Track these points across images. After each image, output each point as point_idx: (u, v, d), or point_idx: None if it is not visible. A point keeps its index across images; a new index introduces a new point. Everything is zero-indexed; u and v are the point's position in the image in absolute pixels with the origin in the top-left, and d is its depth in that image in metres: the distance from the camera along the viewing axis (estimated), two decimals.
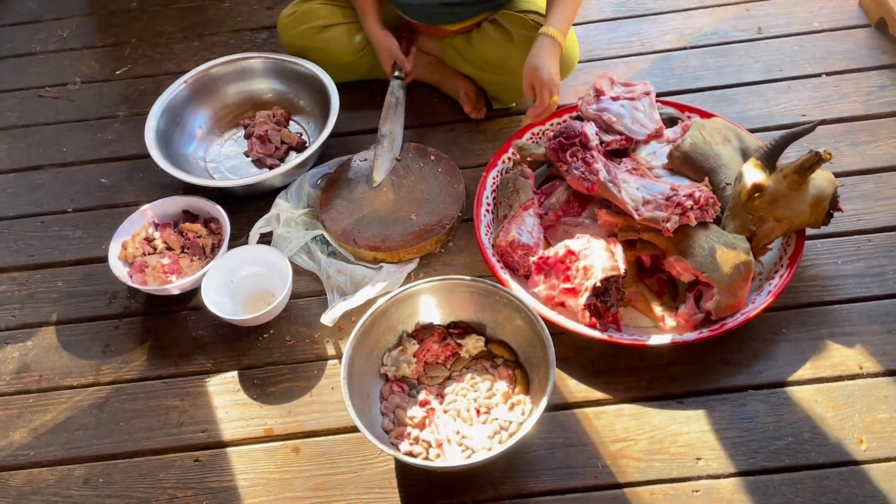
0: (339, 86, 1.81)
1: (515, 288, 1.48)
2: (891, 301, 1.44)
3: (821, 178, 1.44)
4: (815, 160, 1.38)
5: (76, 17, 2.32)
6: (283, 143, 1.82)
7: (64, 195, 1.83)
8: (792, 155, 1.49)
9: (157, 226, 1.65)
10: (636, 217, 1.44)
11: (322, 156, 1.79)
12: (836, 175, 1.61)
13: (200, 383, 1.48)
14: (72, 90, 2.10)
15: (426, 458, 1.28)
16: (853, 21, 1.95)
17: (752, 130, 1.71)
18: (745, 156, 1.57)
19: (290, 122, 1.89)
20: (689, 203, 1.42)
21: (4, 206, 1.83)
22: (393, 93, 1.78)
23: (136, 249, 1.60)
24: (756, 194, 1.43)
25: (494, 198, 1.66)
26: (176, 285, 1.53)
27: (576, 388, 1.40)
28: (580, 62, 1.93)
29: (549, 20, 1.59)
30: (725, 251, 1.40)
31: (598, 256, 1.42)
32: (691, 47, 1.95)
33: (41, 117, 2.03)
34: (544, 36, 1.58)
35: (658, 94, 1.77)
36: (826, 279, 1.49)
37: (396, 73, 1.79)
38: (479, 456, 1.25)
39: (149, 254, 1.60)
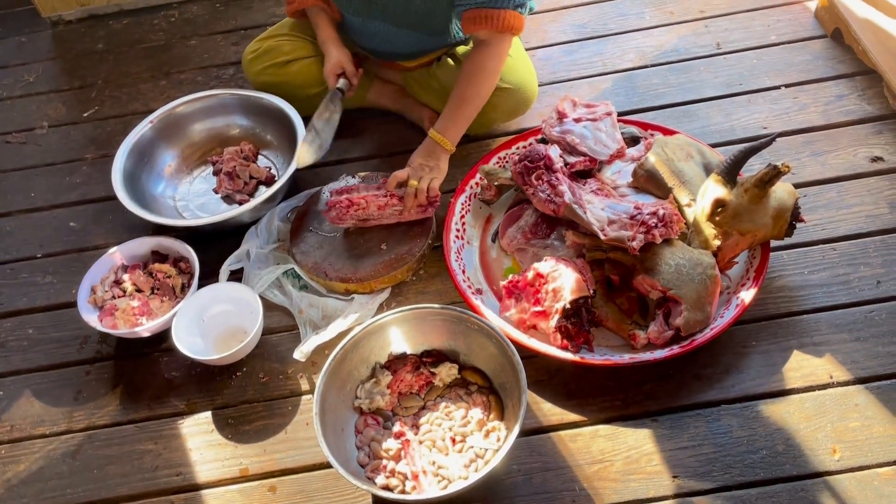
0: (306, 118, 1.81)
1: (487, 313, 1.48)
2: (857, 309, 1.45)
3: (781, 191, 1.46)
4: (774, 173, 1.40)
5: (42, 61, 2.32)
6: (251, 178, 1.83)
7: (33, 241, 1.83)
8: (754, 167, 1.51)
9: (126, 268, 1.65)
10: (602, 237, 1.45)
11: (291, 188, 1.79)
12: (798, 186, 1.64)
13: (174, 426, 1.47)
14: (39, 134, 2.09)
15: (402, 492, 1.27)
16: (809, 32, 1.98)
17: (715, 145, 1.73)
18: (708, 171, 1.59)
19: (259, 157, 1.90)
20: (653, 221, 1.43)
21: None
22: (332, 100, 1.72)
23: (105, 293, 1.60)
24: (719, 209, 1.45)
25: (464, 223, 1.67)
26: (146, 328, 1.52)
27: (550, 412, 1.40)
28: (544, 84, 1.96)
29: (437, 122, 1.66)
30: (692, 266, 1.41)
31: (566, 278, 1.43)
32: (652, 65, 1.98)
33: (8, 163, 2.02)
34: (428, 137, 1.67)
35: (621, 113, 1.80)
36: (793, 290, 1.50)
37: (340, 86, 1.73)
38: (456, 486, 1.24)
39: (118, 297, 1.60)
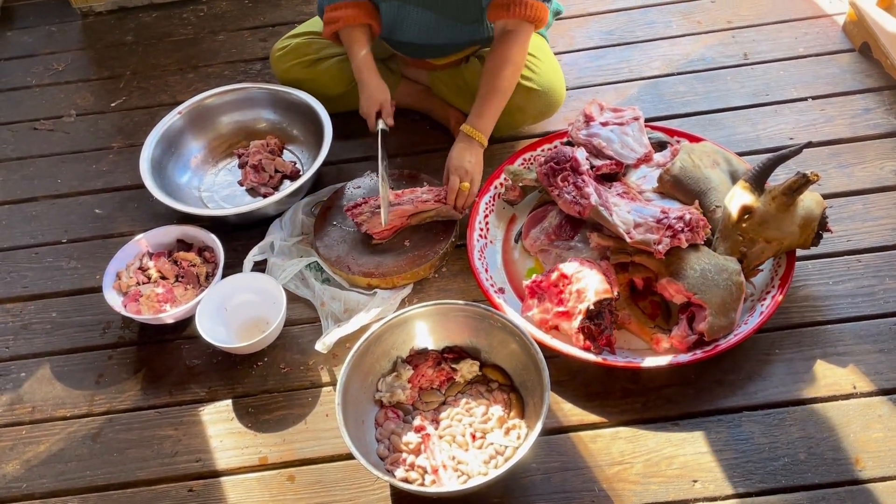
0: (332, 115, 1.83)
1: (509, 312, 1.48)
2: (882, 320, 1.45)
3: (809, 200, 1.46)
4: (803, 181, 1.40)
5: (72, 51, 2.35)
6: (276, 171, 1.84)
7: (58, 226, 1.84)
8: (780, 177, 1.51)
9: (151, 255, 1.66)
10: (627, 240, 1.46)
11: (316, 184, 1.81)
12: (825, 197, 1.63)
13: (194, 412, 1.47)
14: (67, 122, 2.11)
15: (422, 485, 1.27)
16: (837, 46, 1.99)
17: (741, 154, 1.73)
18: (734, 178, 1.59)
19: (284, 152, 1.91)
20: (679, 225, 1.44)
21: None
22: (384, 156, 1.68)
23: (130, 279, 1.61)
24: (746, 216, 1.45)
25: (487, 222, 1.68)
26: (170, 314, 1.53)
27: (571, 412, 1.40)
28: (571, 88, 1.97)
29: (469, 118, 1.66)
30: (717, 272, 1.41)
31: (590, 279, 1.43)
32: (679, 73, 1.99)
33: (36, 149, 2.04)
34: (462, 133, 1.65)
35: (647, 119, 1.80)
36: (818, 299, 1.50)
37: (382, 127, 1.70)
38: (475, 481, 1.24)
39: (143, 283, 1.61)
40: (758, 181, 1.46)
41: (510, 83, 1.65)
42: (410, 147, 1.90)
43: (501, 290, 1.57)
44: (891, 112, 1.80)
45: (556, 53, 2.06)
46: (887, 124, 1.78)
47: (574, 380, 1.44)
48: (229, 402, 1.48)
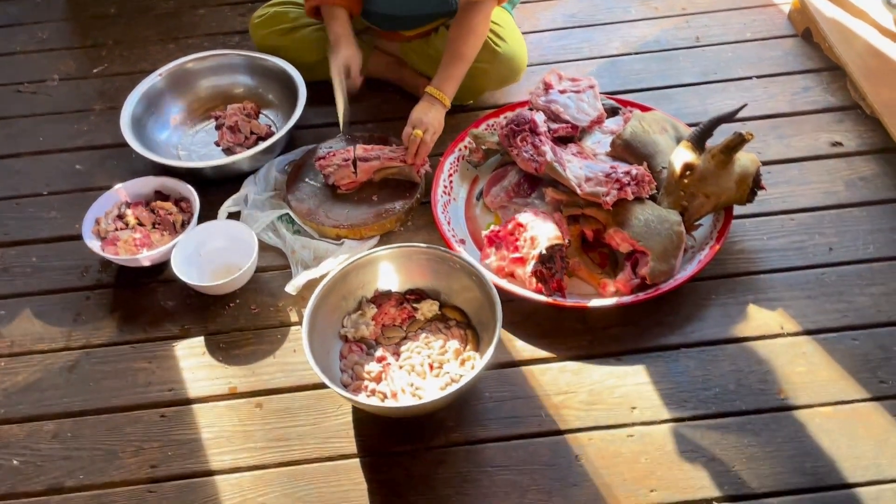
0: (308, 83, 1.92)
1: (469, 259, 1.58)
2: (810, 271, 1.57)
3: (745, 159, 1.58)
4: (739, 140, 1.53)
5: (56, 21, 2.42)
6: (252, 133, 1.92)
7: (40, 180, 1.91)
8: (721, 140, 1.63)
9: (129, 204, 1.74)
10: (579, 192, 1.57)
11: (289, 145, 1.90)
12: (764, 164, 1.76)
13: (168, 348, 1.55)
14: (50, 86, 2.19)
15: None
16: (782, 31, 2.13)
17: (689, 125, 1.85)
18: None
19: (260, 116, 2.00)
20: (626, 179, 1.55)
21: None
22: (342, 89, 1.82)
23: (108, 225, 1.68)
24: (687, 172, 1.57)
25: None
26: (146, 256, 1.61)
27: (523, 348, 1.50)
28: (534, 64, 2.08)
29: (434, 80, 1.76)
30: (659, 222, 1.53)
31: (543, 227, 1.54)
32: (635, 53, 2.11)
33: (20, 110, 2.11)
34: (426, 93, 1.75)
35: (604, 93, 1.92)
36: (753, 253, 1.62)
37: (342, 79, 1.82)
38: (430, 397, 1.34)
39: (121, 229, 1.68)
40: (699, 141, 1.58)
41: (473, 51, 1.76)
42: (381, 115, 2.00)
43: (462, 241, 1.67)
44: (827, 90, 1.94)
45: (521, 33, 2.18)
46: (824, 101, 1.92)
47: (527, 320, 1.54)
48: (202, 338, 1.56)
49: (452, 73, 1.75)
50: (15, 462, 1.40)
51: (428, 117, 1.72)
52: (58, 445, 1.42)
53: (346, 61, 1.82)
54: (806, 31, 2.08)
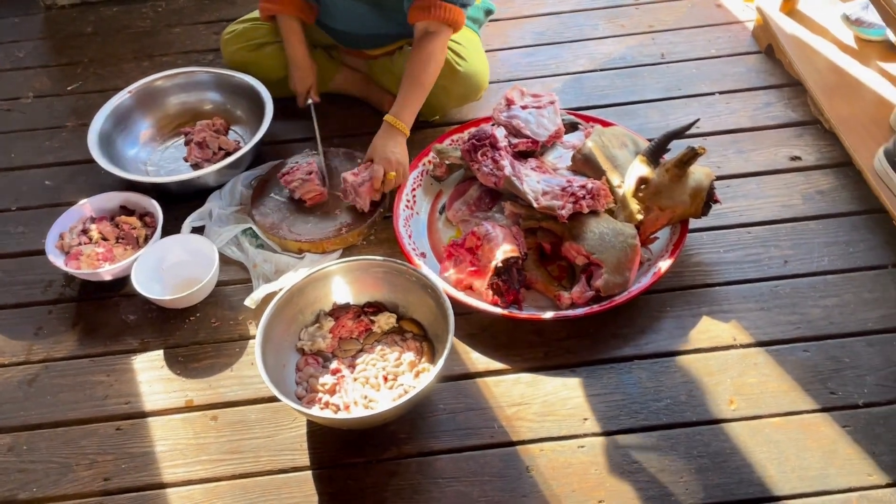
0: (275, 99, 1.95)
1: (428, 273, 1.59)
2: (764, 283, 1.59)
3: (699, 173, 1.60)
4: (692, 154, 1.55)
5: (33, 40, 2.45)
6: (220, 149, 1.95)
7: (8, 196, 1.93)
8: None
9: (94, 219, 1.75)
10: (535, 205, 1.59)
11: (256, 160, 1.92)
12: (723, 178, 1.79)
13: (127, 361, 1.56)
14: (24, 103, 2.21)
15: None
16: (746, 48, 2.16)
17: (651, 140, 1.87)
18: None
19: (229, 132, 2.02)
20: (581, 193, 1.57)
21: None
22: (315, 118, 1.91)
23: (72, 240, 1.70)
24: (642, 186, 1.59)
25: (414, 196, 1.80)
26: (107, 270, 1.62)
27: (478, 360, 1.51)
28: (502, 81, 2.12)
29: (393, 109, 1.77)
30: (614, 235, 1.54)
31: (500, 240, 1.55)
32: (601, 70, 2.14)
33: None
34: (385, 123, 1.76)
35: (569, 109, 1.95)
36: (709, 265, 1.63)
37: (310, 102, 1.92)
38: (381, 407, 1.34)
39: (85, 244, 1.70)
40: (653, 155, 1.60)
41: (431, 78, 1.78)
42: (347, 130, 2.02)
43: (423, 255, 1.68)
44: (788, 106, 1.97)
45: (491, 50, 2.22)
46: (784, 116, 1.94)
47: (484, 332, 1.55)
48: (161, 352, 1.57)
49: (411, 101, 1.77)
50: None
51: (395, 155, 1.73)
52: (13, 458, 1.42)
53: (301, 81, 1.88)
54: (769, 48, 2.11)
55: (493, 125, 1.83)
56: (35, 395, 1.52)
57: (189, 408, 1.48)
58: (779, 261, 1.62)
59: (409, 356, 1.47)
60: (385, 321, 1.53)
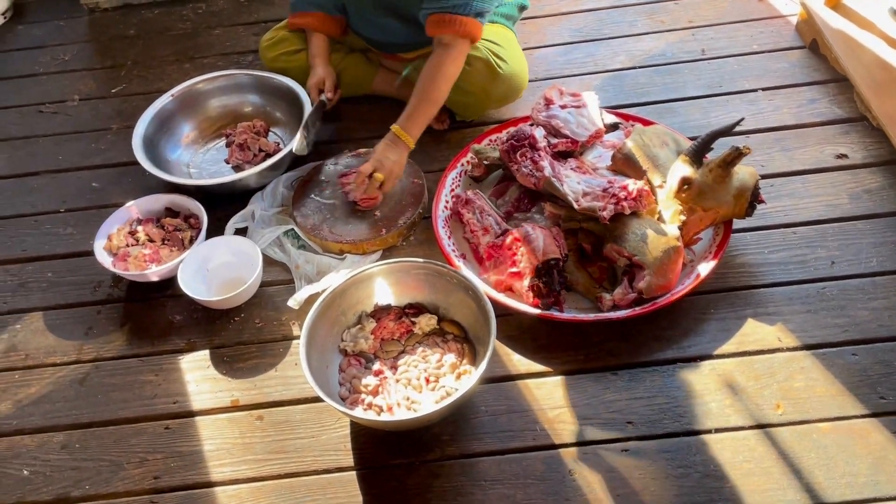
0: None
1: (468, 274, 1.60)
2: (811, 285, 1.56)
3: (743, 172, 1.58)
4: (736, 154, 1.52)
5: (78, 43, 2.51)
6: (260, 150, 1.97)
7: (57, 197, 1.98)
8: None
9: (140, 221, 1.79)
10: (576, 207, 1.58)
11: (297, 161, 1.94)
12: (767, 177, 1.76)
13: (174, 361, 1.60)
14: (70, 106, 2.26)
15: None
16: (789, 43, 2.12)
17: (692, 138, 1.85)
18: None
19: (269, 134, 2.05)
20: (623, 194, 1.56)
21: (1, 206, 1.97)
22: (317, 110, 1.91)
23: (120, 241, 1.74)
24: (685, 187, 1.57)
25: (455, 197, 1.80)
26: (154, 271, 1.65)
27: (519, 362, 1.51)
28: (540, 80, 2.11)
29: (400, 119, 1.76)
30: (656, 236, 1.53)
31: (540, 242, 1.55)
32: (640, 67, 2.12)
33: (40, 130, 2.19)
34: (391, 131, 1.76)
35: (608, 107, 1.93)
36: (753, 266, 1.61)
37: (322, 98, 1.94)
38: (425, 410, 1.35)
39: (132, 245, 1.74)
40: (696, 155, 1.58)
41: (443, 95, 1.77)
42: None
43: (463, 256, 1.69)
44: (834, 102, 1.93)
45: (528, 48, 2.21)
46: (830, 113, 1.90)
47: (524, 334, 1.55)
48: (207, 352, 1.60)
49: (419, 116, 1.76)
50: (25, 472, 1.45)
51: (391, 162, 1.74)
52: (66, 456, 1.47)
53: (319, 81, 1.92)
54: (813, 43, 2.07)
55: (531, 125, 1.82)
56: (86, 394, 1.56)
57: (235, 407, 1.51)
58: (825, 262, 1.59)
59: (451, 358, 1.48)
60: (426, 323, 1.54)
